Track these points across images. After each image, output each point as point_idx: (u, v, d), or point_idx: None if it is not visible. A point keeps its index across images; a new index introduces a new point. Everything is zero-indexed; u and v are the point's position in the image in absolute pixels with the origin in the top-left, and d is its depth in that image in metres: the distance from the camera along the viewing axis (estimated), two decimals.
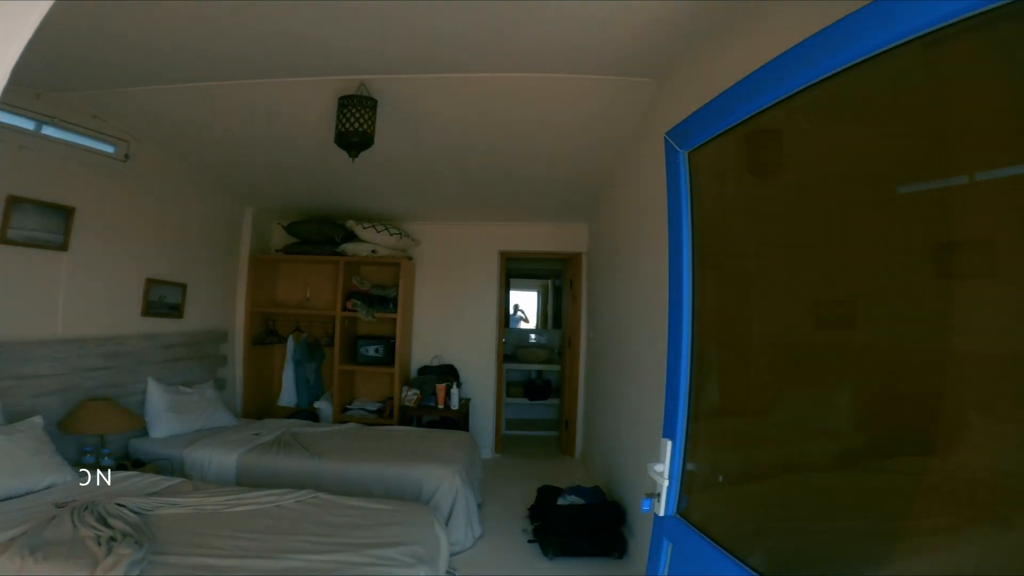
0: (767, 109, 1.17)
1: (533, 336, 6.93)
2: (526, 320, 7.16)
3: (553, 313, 7.28)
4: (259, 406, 4.69)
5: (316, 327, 4.87)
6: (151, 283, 3.73)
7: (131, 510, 2.16)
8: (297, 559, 1.91)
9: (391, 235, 4.68)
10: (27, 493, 2.33)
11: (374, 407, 4.66)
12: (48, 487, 2.41)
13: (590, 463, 4.62)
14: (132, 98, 3.00)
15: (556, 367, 6.19)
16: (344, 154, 2.78)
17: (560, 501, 3.43)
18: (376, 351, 4.64)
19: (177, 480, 2.66)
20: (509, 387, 6.25)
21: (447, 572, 2.46)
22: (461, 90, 2.79)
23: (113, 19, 2.16)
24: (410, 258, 5.07)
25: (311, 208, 4.85)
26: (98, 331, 3.31)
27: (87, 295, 3.24)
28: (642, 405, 2.88)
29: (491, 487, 4.22)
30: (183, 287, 4.02)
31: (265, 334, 4.77)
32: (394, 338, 4.63)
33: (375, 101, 2.74)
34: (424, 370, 4.87)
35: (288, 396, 4.60)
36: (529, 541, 3.26)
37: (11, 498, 2.26)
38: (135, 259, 3.58)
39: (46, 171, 2.96)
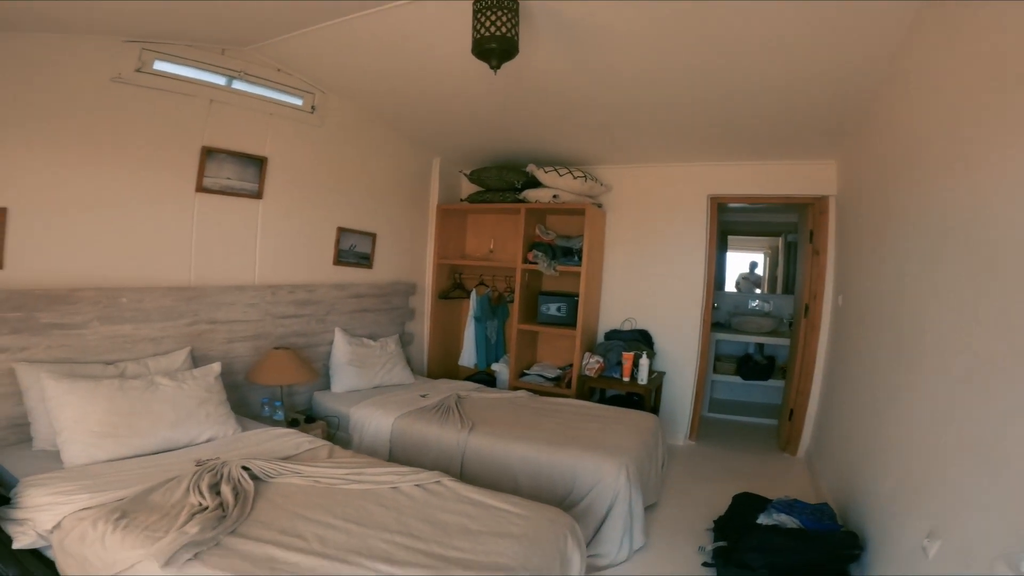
0: None
1: (755, 302, 5.62)
2: (758, 286, 5.81)
3: (784, 276, 5.82)
4: (444, 364, 4.59)
5: (500, 281, 4.53)
6: (342, 231, 3.72)
7: (254, 475, 2.00)
8: (367, 567, 1.49)
9: (575, 178, 4.01)
10: (187, 445, 2.33)
11: (552, 374, 4.16)
12: (208, 440, 2.39)
13: (818, 469, 3.42)
14: (311, 47, 2.88)
15: (783, 341, 4.89)
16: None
17: (762, 519, 2.49)
18: (558, 309, 4.09)
19: (321, 443, 2.49)
20: (718, 362, 5.17)
21: None
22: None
23: None
24: (599, 205, 4.34)
25: (493, 154, 4.44)
26: (290, 278, 3.37)
27: (281, 242, 3.29)
28: (961, 413, 1.75)
29: (674, 483, 3.40)
30: (372, 236, 3.98)
31: (451, 288, 4.61)
32: (577, 296, 4.02)
33: (515, 2, 2.10)
34: (612, 335, 4.17)
35: (468, 355, 4.38)
36: (704, 564, 2.42)
37: (167, 451, 2.24)
38: (326, 207, 3.57)
39: (238, 123, 3.00)
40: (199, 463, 2.06)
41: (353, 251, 3.87)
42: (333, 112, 3.53)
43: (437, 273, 4.53)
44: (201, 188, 2.84)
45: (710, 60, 2.58)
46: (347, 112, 3.64)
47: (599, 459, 2.49)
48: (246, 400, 3.06)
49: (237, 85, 3.00)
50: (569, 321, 4.05)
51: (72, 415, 2.15)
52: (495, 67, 2.13)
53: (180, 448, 2.32)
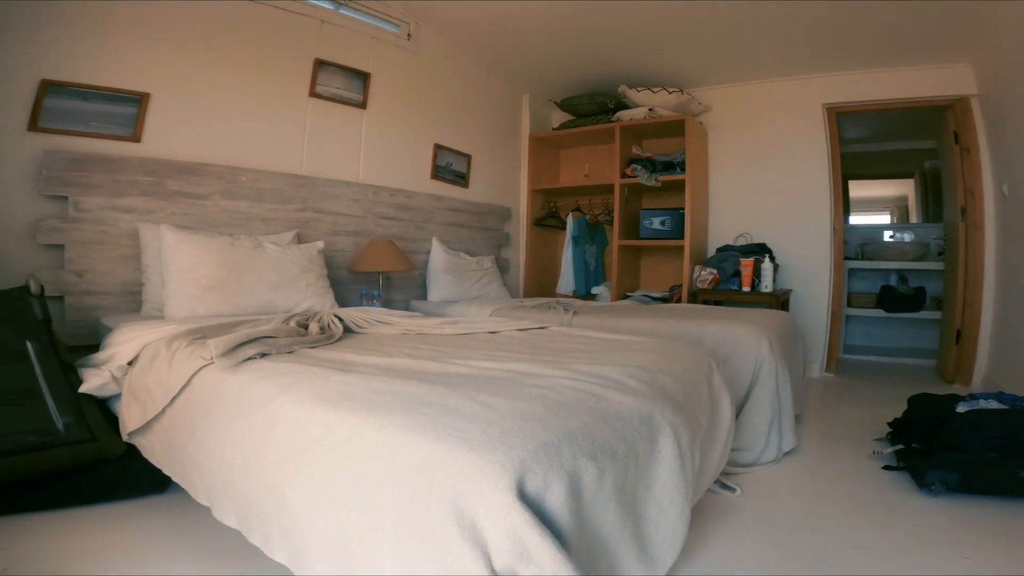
0: None
1: (890, 233, 4.77)
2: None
3: (925, 206, 4.92)
4: (540, 291, 4.29)
5: (596, 206, 4.16)
6: (438, 148, 3.63)
7: (344, 324, 1.81)
8: (472, 365, 1.20)
9: (670, 94, 3.63)
10: (286, 311, 2.21)
11: (658, 295, 3.71)
12: (307, 310, 2.26)
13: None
14: None
15: (934, 265, 4.05)
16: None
17: (963, 407, 1.92)
18: (662, 223, 3.65)
19: (414, 314, 2.28)
20: (852, 298, 4.40)
21: (718, 484, 1.43)
22: None
23: None
24: (700, 123, 3.89)
25: (583, 83, 4.12)
26: (391, 182, 3.31)
27: (382, 150, 3.28)
28: None
29: (818, 403, 2.83)
30: (468, 157, 3.84)
31: (546, 215, 4.31)
32: (682, 209, 3.56)
33: None
34: (725, 249, 3.64)
35: (566, 281, 4.04)
36: (886, 467, 1.89)
37: (267, 314, 2.08)
38: (423, 124, 3.54)
39: (345, 42, 3.09)
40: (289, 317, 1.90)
41: (450, 168, 3.73)
42: (427, 41, 3.54)
43: (531, 200, 4.26)
44: (313, 93, 2.93)
45: None
46: (440, 42, 3.64)
47: (735, 326, 2.04)
48: (344, 296, 2.94)
49: (343, 11, 3.11)
50: (675, 235, 3.59)
51: (183, 263, 2.11)
52: None
53: (279, 313, 2.20)
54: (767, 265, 3.16)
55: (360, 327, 1.86)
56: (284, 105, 2.81)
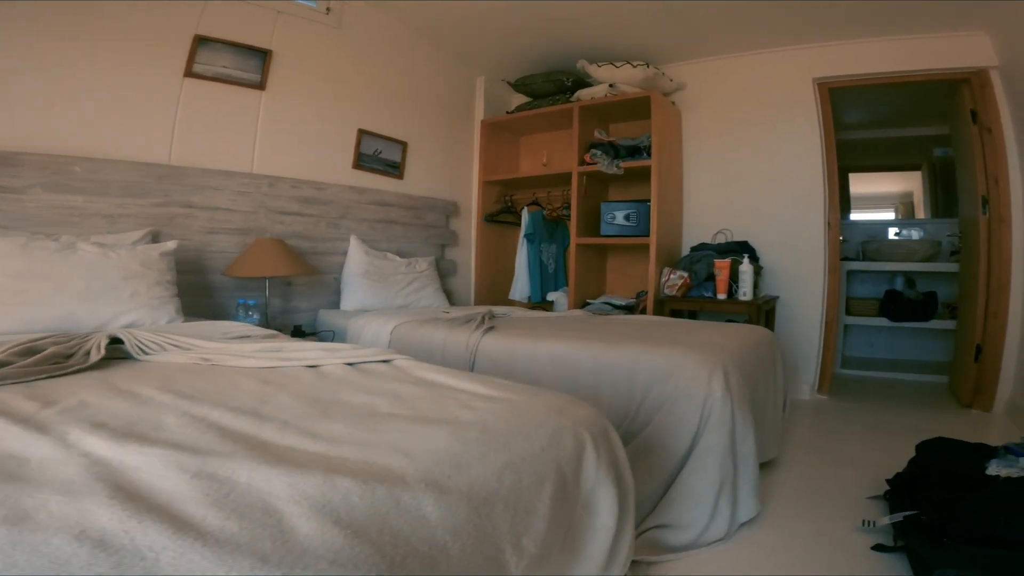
0: None
1: (895, 230, 4.15)
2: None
3: (934, 200, 4.31)
4: (494, 297, 3.72)
5: (556, 200, 3.59)
6: (363, 134, 3.07)
7: (126, 352, 1.26)
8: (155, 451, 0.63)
9: (634, 67, 3.07)
10: (97, 329, 1.63)
11: (622, 302, 3.13)
12: (128, 326, 1.70)
13: None
14: None
15: (949, 268, 3.44)
16: None
17: (995, 468, 1.34)
18: (627, 218, 3.07)
19: (276, 334, 1.73)
20: (851, 304, 3.79)
21: None
22: None
23: None
24: (673, 103, 3.32)
25: (544, 60, 3.55)
26: (297, 173, 2.74)
27: (285, 135, 2.71)
28: None
29: (802, 438, 2.26)
30: (403, 145, 3.28)
31: (500, 210, 3.74)
32: (650, 201, 2.98)
33: None
34: (700, 248, 3.06)
35: (520, 286, 3.46)
36: (877, 547, 1.31)
37: (58, 332, 1.47)
38: (345, 108, 2.98)
39: (239, 17, 2.53)
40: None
41: (378, 157, 3.17)
42: (357, 16, 3.01)
43: (483, 193, 3.70)
44: (190, 73, 2.39)
45: None
46: (375, 17, 3.11)
47: (678, 354, 1.46)
48: (219, 307, 2.39)
49: None
50: (643, 231, 3.00)
51: None
52: None
53: (88, 332, 1.62)
54: (746, 267, 2.57)
55: (148, 352, 1.31)
56: (146, 85, 2.24)
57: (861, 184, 4.66)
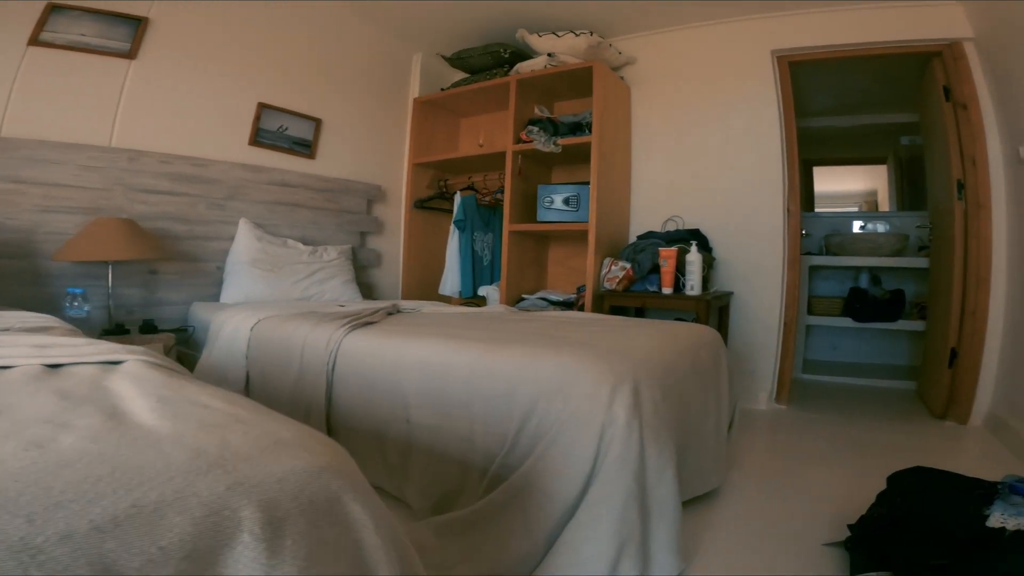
0: None
1: (861, 223, 3.86)
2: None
3: (900, 195, 4.04)
4: (424, 292, 3.30)
5: (493, 183, 3.18)
6: (264, 108, 2.63)
7: None
8: None
9: (577, 36, 2.70)
10: None
11: (560, 297, 2.74)
12: None
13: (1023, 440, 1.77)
14: None
15: (918, 263, 3.14)
16: None
17: (997, 517, 0.96)
18: (567, 202, 2.68)
19: (69, 328, 1.29)
20: (814, 303, 3.48)
21: None
22: None
23: None
24: (621, 78, 2.95)
25: (485, 34, 3.15)
26: (172, 148, 2.29)
27: (159, 107, 2.28)
28: None
29: (751, 460, 1.89)
30: (316, 122, 2.85)
31: (433, 196, 3.31)
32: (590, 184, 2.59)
33: None
34: (647, 237, 2.68)
35: (451, 280, 3.04)
36: None
37: None
38: (242, 80, 2.56)
39: None
40: None
41: (283, 134, 2.74)
42: None
43: (414, 177, 3.27)
44: (37, 41, 1.98)
45: None
46: None
47: (573, 362, 1.06)
48: (55, 295, 1.93)
49: None
50: (583, 218, 2.62)
51: None
52: None
53: None
54: (694, 256, 2.20)
55: None
56: None
57: (825, 182, 4.38)
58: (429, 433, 1.20)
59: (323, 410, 1.42)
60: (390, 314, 2.03)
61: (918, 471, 1.26)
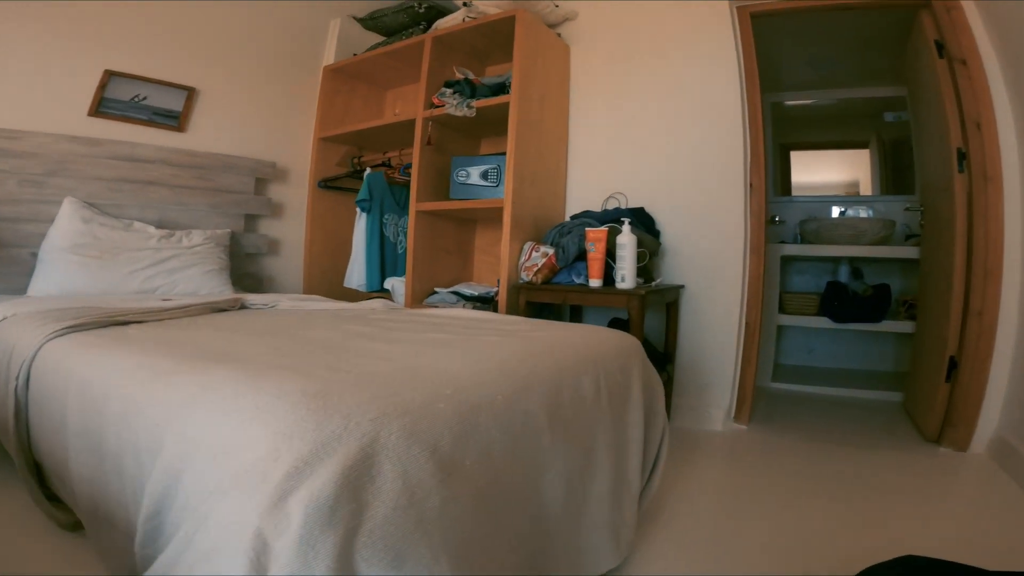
0: None
1: (841, 208, 3.38)
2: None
3: (884, 181, 3.58)
4: (330, 286, 2.78)
5: (409, 158, 2.67)
6: (113, 75, 2.12)
7: None
8: None
9: None
10: None
11: (475, 292, 2.24)
12: None
13: None
14: None
15: (906, 254, 2.66)
16: None
17: None
18: (484, 175, 2.18)
19: None
20: (786, 300, 2.99)
21: None
22: None
23: None
24: (559, 34, 2.46)
25: None
26: None
27: None
28: None
29: (675, 519, 1.38)
30: (189, 91, 2.35)
31: (344, 175, 2.80)
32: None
33: None
34: (578, 216, 2.18)
35: (356, 271, 2.53)
36: None
37: None
38: (82, 44, 2.07)
39: None
40: None
41: (141, 103, 2.25)
42: None
43: (320, 153, 2.77)
44: None
45: None
46: None
47: (249, 404, 0.56)
48: None
49: None
50: (499, 193, 2.12)
51: None
52: None
53: None
54: (625, 238, 1.71)
55: None
56: None
57: (802, 171, 3.91)
58: (89, 488, 0.71)
59: (13, 439, 0.92)
60: (222, 310, 1.53)
61: (906, 564, 0.78)
